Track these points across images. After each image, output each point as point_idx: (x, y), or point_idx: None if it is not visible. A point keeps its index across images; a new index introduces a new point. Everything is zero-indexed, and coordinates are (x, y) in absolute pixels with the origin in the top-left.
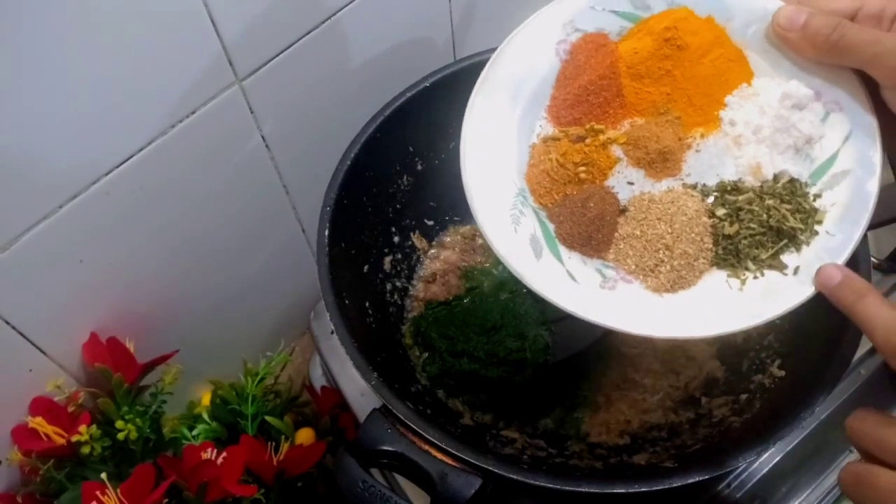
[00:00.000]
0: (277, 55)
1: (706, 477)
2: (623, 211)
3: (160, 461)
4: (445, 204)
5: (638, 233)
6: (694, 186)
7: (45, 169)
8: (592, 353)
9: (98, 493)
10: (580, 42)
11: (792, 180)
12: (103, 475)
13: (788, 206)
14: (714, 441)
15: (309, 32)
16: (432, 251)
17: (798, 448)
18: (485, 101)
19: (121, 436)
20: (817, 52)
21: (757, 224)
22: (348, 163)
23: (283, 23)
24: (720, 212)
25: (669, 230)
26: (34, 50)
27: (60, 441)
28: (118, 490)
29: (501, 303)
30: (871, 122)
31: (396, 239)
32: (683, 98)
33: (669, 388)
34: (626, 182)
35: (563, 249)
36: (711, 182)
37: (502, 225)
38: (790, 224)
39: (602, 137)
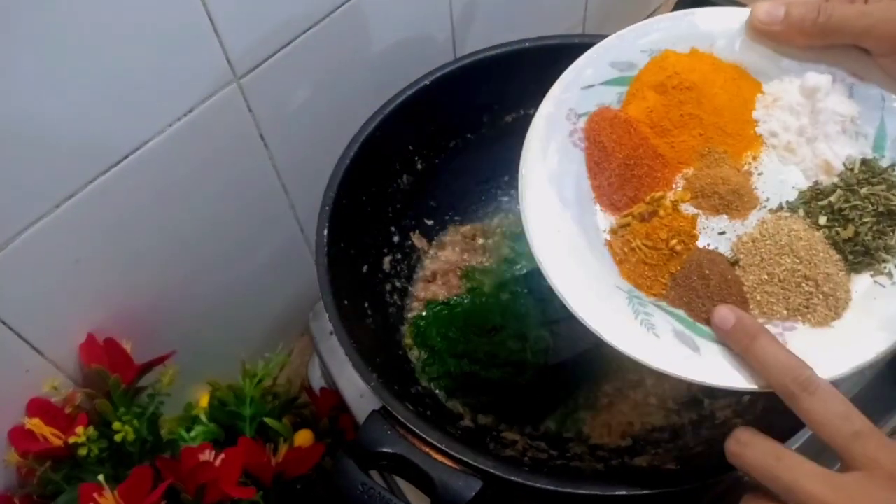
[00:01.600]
0: (276, 53)
1: (708, 480)
2: (734, 263)
3: (158, 463)
4: (445, 204)
5: (766, 276)
6: (781, 208)
7: (41, 168)
8: (594, 354)
9: (95, 494)
10: (590, 126)
11: (864, 161)
12: (100, 477)
13: (882, 187)
14: (716, 443)
15: (307, 30)
16: (432, 251)
17: (799, 450)
18: (537, 219)
19: (118, 437)
20: (808, 38)
21: (868, 217)
22: (347, 162)
23: (282, 20)
24: (822, 220)
25: (797, 260)
26: (26, 49)
27: (57, 442)
28: (115, 492)
29: (502, 303)
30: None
31: (396, 239)
32: (717, 132)
33: (671, 389)
34: (718, 233)
35: (709, 328)
36: (791, 197)
37: (643, 339)
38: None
39: (668, 202)
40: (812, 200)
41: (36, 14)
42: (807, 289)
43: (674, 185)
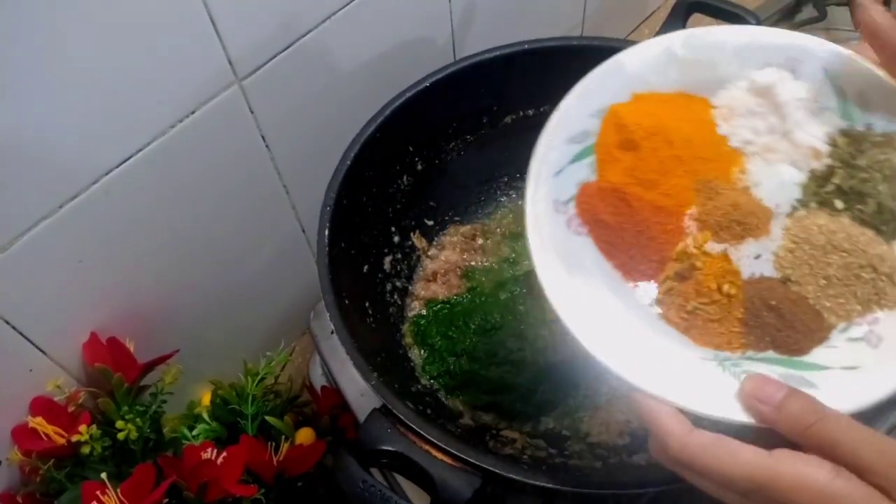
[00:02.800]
0: (277, 55)
1: None
2: (786, 281)
3: (160, 461)
4: (445, 204)
5: (823, 282)
6: (795, 209)
7: (44, 169)
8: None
9: (98, 492)
10: (581, 208)
11: (844, 132)
12: (103, 475)
13: (876, 151)
14: None
15: (309, 32)
16: (432, 251)
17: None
18: (583, 324)
19: (121, 436)
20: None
21: (881, 184)
22: (348, 163)
23: (283, 22)
24: (839, 204)
25: (844, 253)
26: (32, 50)
27: (60, 441)
28: (118, 490)
29: (502, 302)
30: (821, 47)
31: (396, 239)
32: (698, 163)
33: None
34: (753, 259)
35: (809, 358)
36: (797, 194)
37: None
38: None
39: (695, 249)
40: (818, 189)
41: (37, 15)
42: (867, 276)
43: (686, 231)
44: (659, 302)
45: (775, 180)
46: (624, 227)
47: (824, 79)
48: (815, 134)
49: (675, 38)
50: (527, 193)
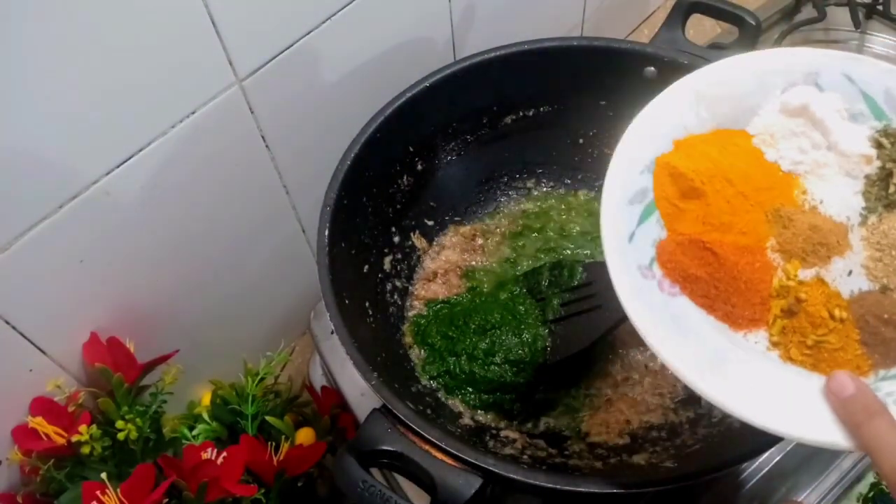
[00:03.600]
0: (277, 55)
1: (706, 477)
2: (885, 290)
3: (160, 461)
4: (445, 204)
5: None
6: (865, 218)
7: (44, 169)
8: (592, 352)
9: (98, 492)
10: (667, 268)
11: (885, 133)
12: (103, 475)
13: None
14: (714, 441)
15: (309, 32)
16: (432, 251)
17: (798, 448)
18: (710, 384)
19: (121, 436)
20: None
21: None
22: (348, 163)
23: (284, 23)
24: None
25: None
26: (33, 50)
27: (60, 441)
28: (118, 490)
29: (501, 302)
30: (834, 55)
31: (396, 239)
32: (761, 194)
33: (669, 387)
34: (846, 276)
35: None
36: (861, 202)
37: None
38: None
39: (795, 283)
40: (881, 193)
41: (38, 16)
42: None
43: (774, 264)
44: (775, 345)
45: (836, 194)
46: (716, 276)
47: (849, 84)
48: (858, 140)
49: (697, 78)
50: (610, 269)
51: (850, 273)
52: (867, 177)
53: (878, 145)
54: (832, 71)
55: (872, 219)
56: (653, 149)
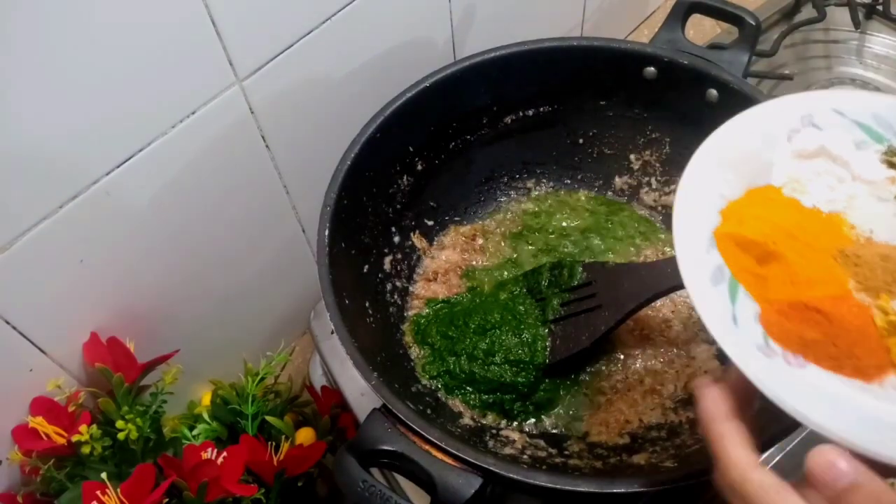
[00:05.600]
0: (277, 55)
1: (706, 477)
2: None
3: (160, 461)
4: (445, 204)
5: None
6: None
7: (45, 169)
8: (592, 352)
9: (98, 492)
10: (783, 342)
11: (892, 152)
12: (104, 475)
13: None
14: None
15: (309, 32)
16: (432, 251)
17: (798, 448)
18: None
19: (121, 435)
20: None
21: None
22: (348, 163)
23: (284, 23)
24: None
25: None
26: (33, 50)
27: (61, 441)
28: (118, 490)
29: (501, 302)
30: (819, 95)
31: (396, 239)
32: (820, 240)
33: (670, 387)
34: None
35: None
36: None
37: None
38: None
39: (891, 316)
40: None
41: (39, 15)
42: None
43: (865, 304)
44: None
45: (879, 220)
46: (831, 333)
47: (841, 117)
48: (874, 165)
49: (712, 145)
50: (737, 362)
51: None
52: None
53: (891, 165)
54: (823, 110)
55: None
56: (706, 225)
